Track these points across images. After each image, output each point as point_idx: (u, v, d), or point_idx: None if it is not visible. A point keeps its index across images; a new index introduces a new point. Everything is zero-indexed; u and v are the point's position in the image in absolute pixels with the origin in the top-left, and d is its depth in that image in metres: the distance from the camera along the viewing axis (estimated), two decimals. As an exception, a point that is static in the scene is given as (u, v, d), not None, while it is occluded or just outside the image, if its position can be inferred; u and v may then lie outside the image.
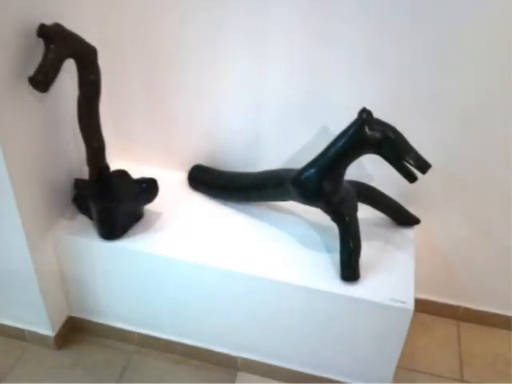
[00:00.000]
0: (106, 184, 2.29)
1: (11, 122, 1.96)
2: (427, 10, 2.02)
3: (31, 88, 1.85)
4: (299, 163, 2.16)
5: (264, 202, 2.50)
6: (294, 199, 2.26)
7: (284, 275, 2.17)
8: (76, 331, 2.68)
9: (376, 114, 1.97)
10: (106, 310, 2.57)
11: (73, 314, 2.65)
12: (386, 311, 2.10)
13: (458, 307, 2.83)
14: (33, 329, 2.57)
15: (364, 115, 1.95)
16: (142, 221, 2.40)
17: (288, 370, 2.47)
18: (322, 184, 2.10)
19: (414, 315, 2.08)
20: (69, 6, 2.12)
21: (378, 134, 1.94)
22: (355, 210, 2.23)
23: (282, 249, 2.30)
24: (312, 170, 2.10)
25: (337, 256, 2.19)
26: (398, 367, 2.29)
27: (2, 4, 1.80)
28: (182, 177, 2.66)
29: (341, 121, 2.02)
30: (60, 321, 2.60)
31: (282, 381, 2.51)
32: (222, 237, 2.35)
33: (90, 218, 2.36)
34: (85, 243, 2.33)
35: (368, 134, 1.95)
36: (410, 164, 1.93)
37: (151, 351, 2.63)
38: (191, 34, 2.27)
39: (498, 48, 2.05)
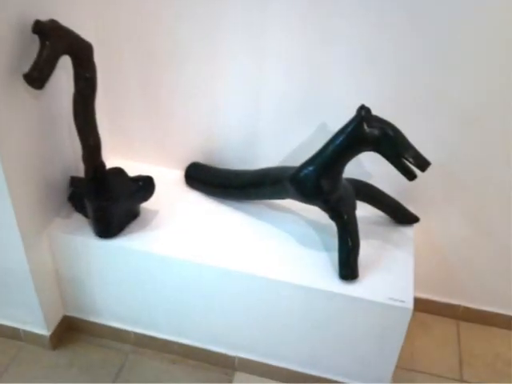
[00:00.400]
0: (102, 182, 2.29)
1: (6, 119, 1.96)
2: (427, 9, 2.03)
3: (26, 85, 1.85)
4: (297, 161, 2.16)
5: (262, 200, 2.51)
6: (292, 197, 2.26)
7: (282, 274, 2.18)
8: (71, 331, 2.69)
9: (375, 112, 1.98)
10: (102, 309, 2.57)
11: (68, 314, 2.65)
12: (385, 310, 2.11)
13: (458, 306, 2.84)
14: (28, 328, 2.57)
15: (362, 112, 1.96)
16: (139, 219, 2.40)
17: (286, 370, 2.48)
18: (320, 182, 2.10)
19: (413, 314, 2.09)
20: (64, 2, 2.12)
21: (376, 132, 1.94)
22: (354, 208, 2.24)
23: (280, 247, 2.30)
24: (310, 168, 2.10)
25: (335, 255, 2.19)
26: (397, 367, 2.30)
27: (-2, 1, 1.81)
28: (179, 175, 2.66)
29: (339, 118, 2.02)
30: (55, 320, 2.61)
31: (280, 381, 2.51)
32: (219, 235, 2.35)
33: (86, 216, 2.36)
34: (80, 242, 2.33)
35: (366, 132, 1.95)
36: (409, 162, 1.93)
37: (147, 351, 2.64)
38: (188, 30, 2.27)
39: (498, 47, 2.06)
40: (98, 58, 2.05)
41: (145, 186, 2.33)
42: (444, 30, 2.06)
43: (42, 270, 2.39)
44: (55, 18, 1.92)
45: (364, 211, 2.39)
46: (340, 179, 2.14)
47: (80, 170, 2.32)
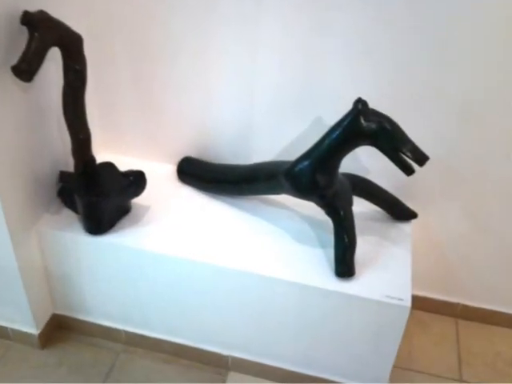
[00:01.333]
0: (92, 177, 2.30)
1: (-6, 112, 1.97)
2: (425, 5, 2.04)
3: (14, 77, 1.85)
4: (292, 155, 2.17)
5: (256, 196, 2.52)
6: (286, 192, 2.27)
7: (277, 271, 2.19)
8: (61, 329, 2.69)
9: (372, 106, 1.99)
10: (92, 307, 2.58)
11: (58, 312, 2.66)
12: (382, 308, 2.12)
13: (457, 304, 2.85)
14: (16, 327, 2.58)
15: (359, 105, 1.97)
16: (130, 215, 2.41)
17: (281, 370, 2.48)
18: (316, 177, 2.11)
19: (411, 313, 2.10)
20: (54, -8, 2.13)
21: (373, 125, 1.95)
22: (350, 203, 2.25)
23: (275, 244, 2.31)
24: (305, 163, 2.11)
25: (331, 251, 2.20)
26: (394, 366, 2.31)
27: (-15, -9, 1.81)
28: (171, 169, 2.67)
29: (335, 111, 2.03)
30: (44, 318, 2.61)
31: (275, 381, 2.52)
32: (212, 231, 2.36)
33: (76, 212, 2.37)
34: (70, 238, 2.34)
35: (363, 125, 1.96)
36: (407, 156, 1.94)
37: (139, 350, 2.64)
38: (181, 22, 2.28)
39: (495, 44, 2.08)
40: (89, 51, 2.06)
41: (136, 181, 2.34)
42: (441, 26, 2.08)
43: (31, 267, 2.40)
44: (44, 8, 1.92)
45: (361, 207, 2.40)
46: (336, 174, 2.15)
47: (70, 165, 2.33)
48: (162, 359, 2.61)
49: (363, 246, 2.27)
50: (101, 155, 2.55)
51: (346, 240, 2.17)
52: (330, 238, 2.21)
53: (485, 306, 2.83)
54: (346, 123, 1.99)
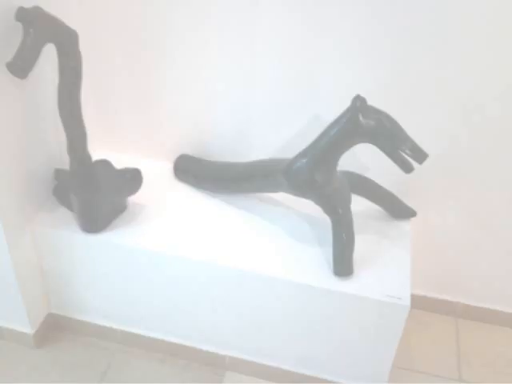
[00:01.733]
0: (88, 174, 2.29)
1: (-12, 109, 1.97)
2: (425, 3, 2.05)
3: (9, 74, 1.85)
4: (291, 153, 2.18)
5: (253, 194, 2.52)
6: (284, 190, 2.27)
7: (274, 270, 2.19)
8: (56, 329, 2.69)
9: (371, 103, 1.99)
10: (88, 306, 2.58)
11: (53, 311, 2.66)
12: (381, 308, 2.12)
13: (457, 303, 2.85)
14: (11, 326, 2.58)
15: (358, 103, 1.96)
16: (126, 213, 2.41)
17: (279, 370, 2.49)
18: (314, 175, 2.11)
19: (411, 312, 2.10)
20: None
21: (372, 123, 1.95)
22: (349, 201, 2.25)
23: (272, 242, 2.32)
24: (304, 160, 2.11)
25: (329, 250, 2.20)
26: (393, 366, 2.31)
27: (-21, -14, 1.81)
28: (168, 167, 2.67)
29: (334, 109, 2.03)
30: (39, 318, 2.61)
31: (273, 381, 2.52)
32: (209, 230, 2.36)
33: (71, 210, 2.37)
34: (66, 237, 2.34)
35: (362, 123, 1.96)
36: (406, 154, 1.94)
37: (135, 350, 2.64)
38: (179, 19, 2.28)
39: (497, 40, 2.09)
40: (85, 47, 2.06)
41: (132, 179, 2.34)
42: (441, 25, 2.08)
43: (26, 266, 2.40)
44: (39, 4, 1.92)
45: (359, 205, 2.40)
46: (334, 172, 2.16)
47: (65, 162, 2.32)
48: (159, 359, 2.61)
49: (362, 245, 2.27)
50: (96, 152, 2.53)
51: (345, 238, 2.17)
52: (329, 236, 2.21)
53: (485, 305, 2.83)
54: (344, 120, 1.99)
